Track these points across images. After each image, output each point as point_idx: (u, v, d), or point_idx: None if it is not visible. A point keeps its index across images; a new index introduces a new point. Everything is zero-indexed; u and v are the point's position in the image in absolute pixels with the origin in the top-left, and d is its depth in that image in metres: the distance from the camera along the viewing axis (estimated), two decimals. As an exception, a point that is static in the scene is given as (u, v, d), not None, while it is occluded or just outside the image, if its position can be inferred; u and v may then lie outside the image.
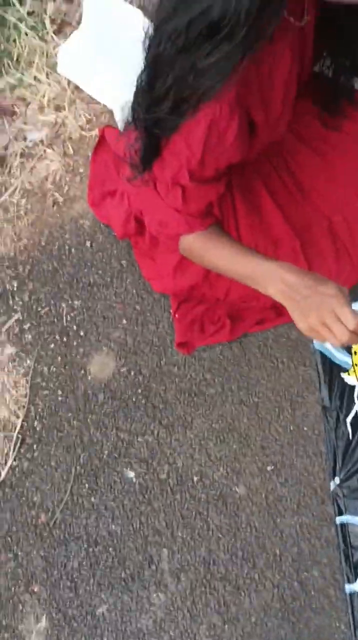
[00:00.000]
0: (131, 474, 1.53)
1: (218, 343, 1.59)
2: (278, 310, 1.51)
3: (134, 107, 0.96)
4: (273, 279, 1.02)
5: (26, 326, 1.67)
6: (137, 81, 0.93)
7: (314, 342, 1.54)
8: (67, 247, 1.73)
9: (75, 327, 1.66)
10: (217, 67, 0.81)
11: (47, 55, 1.86)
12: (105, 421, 1.58)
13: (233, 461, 1.51)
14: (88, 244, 1.72)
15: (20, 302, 1.69)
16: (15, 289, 1.70)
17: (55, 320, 1.67)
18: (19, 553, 1.51)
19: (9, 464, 1.56)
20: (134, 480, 1.53)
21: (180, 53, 0.82)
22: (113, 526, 1.50)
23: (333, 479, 1.44)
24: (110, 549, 1.49)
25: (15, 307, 1.69)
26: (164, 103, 0.89)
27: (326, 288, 0.97)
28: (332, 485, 1.44)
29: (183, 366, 1.60)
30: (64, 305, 1.68)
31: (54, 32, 1.89)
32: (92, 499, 1.53)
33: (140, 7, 1.93)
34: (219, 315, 1.54)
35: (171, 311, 1.60)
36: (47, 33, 1.89)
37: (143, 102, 0.93)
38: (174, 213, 1.08)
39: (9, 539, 1.52)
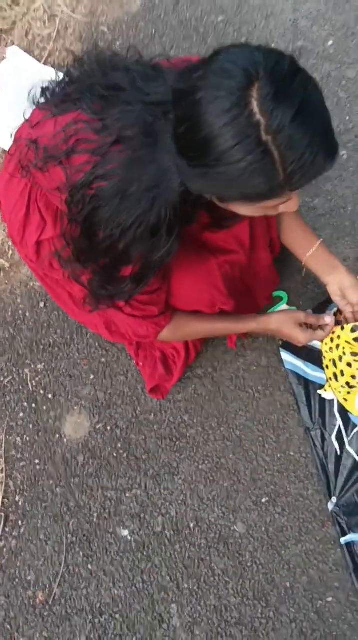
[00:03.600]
0: (125, 532, 1.48)
1: (191, 382, 1.57)
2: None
3: (96, 286, 1.12)
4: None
5: (-9, 399, 1.61)
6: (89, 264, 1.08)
7: (285, 362, 1.54)
8: (20, 312, 1.69)
9: (42, 392, 1.61)
10: (167, 253, 1.03)
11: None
12: (89, 483, 1.52)
13: (227, 499, 1.47)
14: (42, 304, 1.68)
15: (-18, 376, 1.63)
16: (-26, 363, 1.65)
17: (21, 387, 1.62)
18: (21, 639, 1.42)
19: (-5, 546, 1.48)
20: (129, 538, 1.47)
21: (133, 247, 1.00)
22: (115, 591, 1.44)
23: (330, 499, 1.42)
24: (117, 615, 1.42)
25: (-23, 381, 1.63)
26: (124, 282, 1.08)
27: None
28: (330, 506, 1.42)
29: (159, 412, 1.56)
30: (27, 370, 1.63)
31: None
32: (89, 566, 1.46)
33: (53, 65, 1.95)
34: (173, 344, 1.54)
35: (134, 359, 1.57)
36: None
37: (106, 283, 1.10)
38: (141, 322, 1.27)
39: (7, 626, 1.44)
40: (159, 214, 0.97)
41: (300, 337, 1.34)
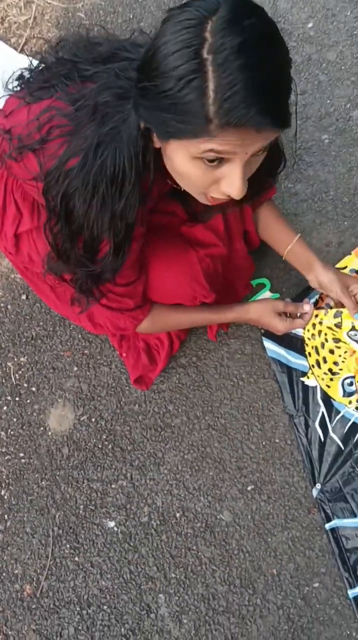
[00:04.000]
0: (111, 524, 1.47)
1: (175, 372, 1.56)
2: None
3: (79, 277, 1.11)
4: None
5: (-25, 393, 1.60)
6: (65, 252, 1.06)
7: (267, 350, 1.53)
8: (2, 304, 1.67)
9: (25, 385, 1.60)
10: (130, 203, 0.98)
11: None
12: (74, 475, 1.51)
13: (213, 488, 1.47)
14: (23, 297, 1.67)
15: (-36, 370, 1.62)
16: None
17: (4, 381, 1.61)
18: (10, 632, 1.42)
19: (-18, 540, 1.48)
20: (116, 529, 1.47)
21: (102, 208, 0.97)
22: (103, 582, 1.44)
23: (315, 485, 1.42)
24: (105, 606, 1.42)
25: None
26: (105, 258, 1.05)
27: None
28: (315, 492, 1.42)
29: (144, 402, 1.56)
30: (9, 364, 1.62)
31: None
32: (76, 559, 1.46)
33: (30, 53, 1.91)
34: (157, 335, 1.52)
35: (117, 350, 1.56)
36: None
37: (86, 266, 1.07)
38: (119, 315, 1.28)
39: (-4, 620, 1.44)
40: (114, 161, 0.94)
41: (278, 326, 1.34)
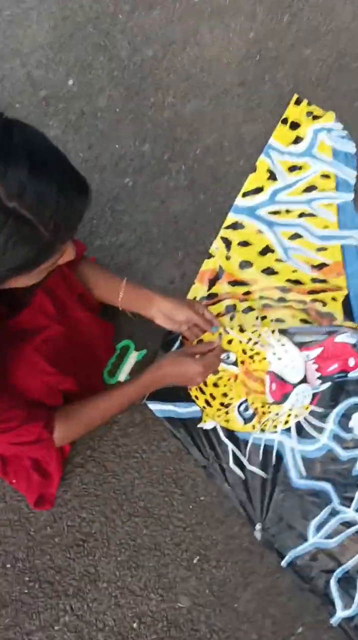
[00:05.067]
0: (71, 669, 1.29)
1: (74, 474, 1.42)
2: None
3: None
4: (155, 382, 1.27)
5: None
6: None
7: (155, 412, 1.42)
8: None
9: None
10: None
11: None
12: (10, 636, 1.32)
13: (159, 579, 1.33)
14: None
15: None
16: None
17: None
18: None
19: None
20: (77, 673, 1.29)
21: None
22: None
23: (255, 527, 1.31)
24: None
25: None
26: None
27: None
28: (258, 535, 1.31)
29: (54, 522, 1.40)
30: None
31: None
32: None
33: None
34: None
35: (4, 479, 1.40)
36: None
37: None
38: (30, 449, 1.18)
39: None
40: None
41: (195, 367, 1.26)
